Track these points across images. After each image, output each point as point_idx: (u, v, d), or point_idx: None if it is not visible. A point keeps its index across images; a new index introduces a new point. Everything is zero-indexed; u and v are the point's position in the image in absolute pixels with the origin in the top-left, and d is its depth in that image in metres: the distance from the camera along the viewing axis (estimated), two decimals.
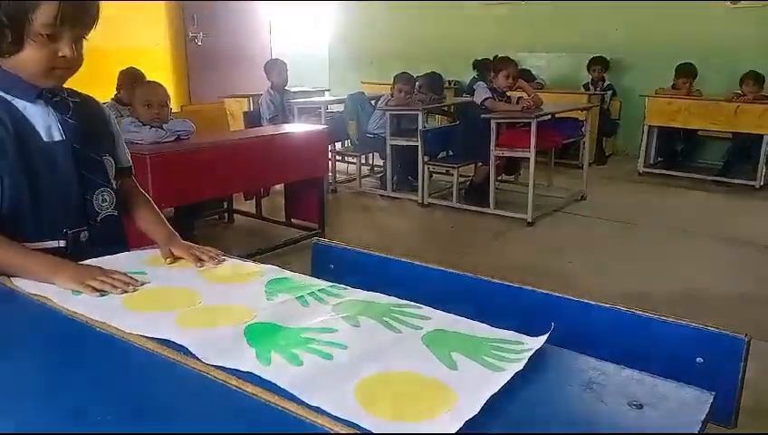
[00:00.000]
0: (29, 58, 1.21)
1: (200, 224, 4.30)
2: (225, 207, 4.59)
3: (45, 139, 1.28)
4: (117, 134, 1.50)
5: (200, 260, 1.31)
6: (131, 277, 1.16)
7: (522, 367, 0.82)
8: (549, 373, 0.83)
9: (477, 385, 0.77)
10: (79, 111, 1.35)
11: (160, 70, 6.29)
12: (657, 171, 6.04)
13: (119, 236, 1.42)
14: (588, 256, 3.78)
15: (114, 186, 1.42)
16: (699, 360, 1.05)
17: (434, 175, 5.47)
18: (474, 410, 0.71)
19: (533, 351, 0.86)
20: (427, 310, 1.04)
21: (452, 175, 4.93)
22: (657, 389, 0.77)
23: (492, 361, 0.84)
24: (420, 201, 4.98)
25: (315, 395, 0.75)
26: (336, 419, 0.70)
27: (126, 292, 1.11)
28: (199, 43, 7.85)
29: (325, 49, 9.17)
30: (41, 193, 1.27)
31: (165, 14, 7.61)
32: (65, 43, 1.21)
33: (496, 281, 1.29)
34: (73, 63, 1.25)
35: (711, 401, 0.74)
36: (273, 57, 6.81)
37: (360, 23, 8.72)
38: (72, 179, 1.31)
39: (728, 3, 6.14)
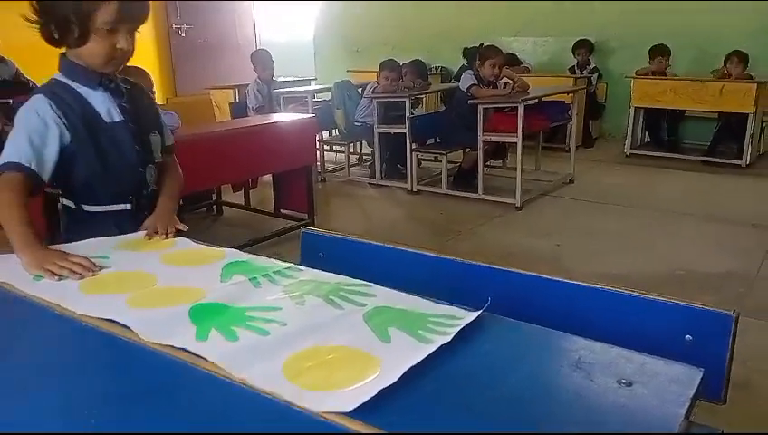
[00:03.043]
0: (92, 50, 1.40)
1: (189, 217, 4.28)
2: (214, 199, 4.57)
3: (107, 120, 1.48)
4: (161, 116, 1.68)
5: (156, 233, 1.42)
6: (91, 262, 1.18)
7: (449, 339, 0.83)
8: (538, 354, 0.84)
9: (402, 356, 0.78)
10: (131, 96, 1.55)
11: (145, 62, 6.21)
12: (644, 153, 6.06)
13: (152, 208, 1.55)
14: (576, 238, 3.80)
15: (159, 159, 1.61)
16: (688, 337, 1.06)
17: (422, 162, 5.46)
18: (391, 379, 0.72)
19: (464, 324, 0.88)
20: (375, 288, 1.05)
21: (440, 161, 4.93)
22: (647, 366, 0.78)
23: (424, 334, 0.86)
24: (409, 188, 4.98)
25: (244, 369, 0.77)
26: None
27: (83, 277, 1.14)
28: (183, 35, 7.79)
29: (311, 38, 9.12)
30: (109, 166, 1.47)
31: None
32: (122, 36, 1.39)
33: (484, 265, 1.30)
34: (129, 54, 1.44)
35: (700, 377, 0.75)
36: (259, 48, 6.76)
37: (344, 11, 8.66)
38: (132, 154, 1.51)
39: None
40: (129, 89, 1.56)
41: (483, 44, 5.29)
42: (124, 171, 1.51)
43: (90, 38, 1.37)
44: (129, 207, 1.52)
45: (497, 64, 4.66)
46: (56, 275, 1.14)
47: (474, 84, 4.63)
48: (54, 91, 1.44)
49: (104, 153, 1.46)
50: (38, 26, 1.39)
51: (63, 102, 1.42)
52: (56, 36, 1.39)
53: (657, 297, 1.10)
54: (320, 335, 0.87)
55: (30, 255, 1.20)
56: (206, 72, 7.49)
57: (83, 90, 1.46)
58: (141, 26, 1.45)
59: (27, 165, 1.36)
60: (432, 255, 1.39)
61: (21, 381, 0.80)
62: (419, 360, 0.77)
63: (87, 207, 1.50)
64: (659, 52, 5.93)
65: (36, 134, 1.38)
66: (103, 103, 1.48)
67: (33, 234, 1.28)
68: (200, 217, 4.47)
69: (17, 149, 1.37)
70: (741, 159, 5.42)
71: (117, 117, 1.49)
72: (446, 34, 7.63)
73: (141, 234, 1.44)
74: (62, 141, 1.41)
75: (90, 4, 1.33)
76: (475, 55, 6.11)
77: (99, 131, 1.46)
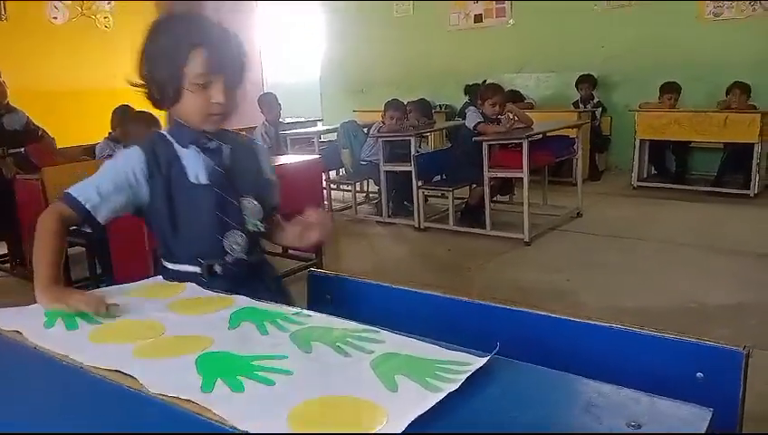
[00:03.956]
0: (187, 107, 1.39)
1: None
2: None
3: (192, 180, 1.43)
4: (269, 180, 1.58)
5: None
6: (103, 300, 1.18)
7: (457, 386, 0.82)
8: (546, 397, 0.83)
9: (410, 405, 0.77)
10: (231, 157, 1.49)
11: (153, 109, 6.36)
12: (651, 185, 6.07)
13: (243, 276, 1.47)
14: (586, 273, 3.78)
15: (257, 228, 1.49)
16: (699, 375, 1.05)
17: (429, 199, 5.48)
18: (397, 430, 0.72)
19: (472, 371, 0.86)
20: (383, 334, 1.04)
21: (447, 198, 4.95)
22: (656, 407, 0.77)
23: (432, 381, 0.85)
24: (416, 226, 4.99)
25: (248, 420, 0.76)
26: None
27: (98, 311, 1.14)
28: None
29: (317, 79, 9.27)
30: (181, 226, 1.44)
31: None
32: (217, 90, 1.36)
33: (494, 305, 1.30)
34: (227, 109, 1.40)
35: (709, 417, 0.74)
36: (266, 90, 6.87)
37: (349, 52, 8.82)
38: (209, 219, 1.44)
39: (710, 16, 6.23)
40: (233, 148, 1.50)
41: (485, 81, 5.36)
42: (196, 235, 1.45)
43: (183, 94, 1.36)
44: (198, 270, 1.44)
45: (497, 103, 4.72)
46: (70, 306, 1.15)
47: (480, 122, 4.68)
48: (153, 146, 1.44)
49: (177, 214, 1.43)
50: (143, 90, 1.42)
51: (155, 158, 1.42)
52: (156, 96, 1.40)
53: (666, 335, 1.10)
54: (326, 385, 0.86)
55: (48, 294, 1.22)
56: None
57: (178, 147, 1.44)
58: (239, 81, 1.41)
59: (84, 204, 1.37)
60: (441, 295, 1.39)
61: (24, 429, 0.81)
62: (426, 409, 0.77)
63: (165, 262, 1.49)
64: (669, 89, 5.96)
65: (110, 182, 1.39)
66: (194, 163, 1.44)
67: (58, 272, 1.29)
68: None
69: (85, 187, 1.39)
70: (749, 188, 5.42)
71: (204, 179, 1.44)
72: (449, 73, 7.74)
73: (151, 281, 1.45)
74: (138, 197, 1.41)
75: (179, 59, 1.33)
76: (476, 92, 6.22)
77: (180, 192, 1.42)
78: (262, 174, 1.56)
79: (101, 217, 1.40)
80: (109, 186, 1.39)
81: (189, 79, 1.34)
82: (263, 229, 1.51)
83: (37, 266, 1.28)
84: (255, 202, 1.49)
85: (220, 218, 1.44)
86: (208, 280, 1.42)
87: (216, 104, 1.37)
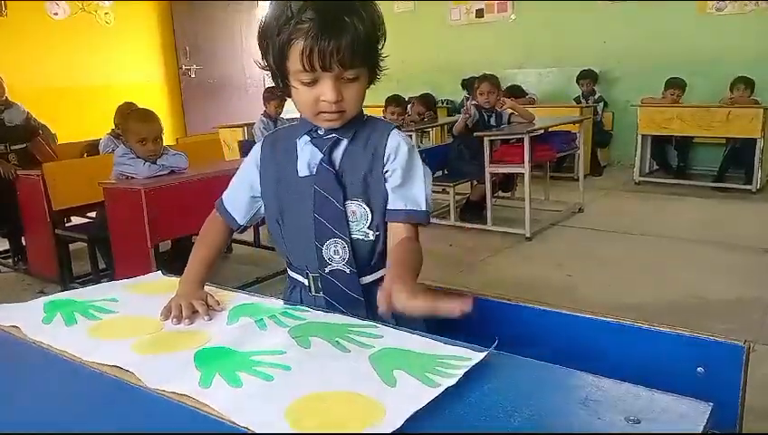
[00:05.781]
0: (297, 102, 1.21)
1: None
2: None
3: (300, 173, 1.25)
4: (395, 181, 1.23)
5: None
6: (203, 308, 1.16)
7: (455, 381, 0.82)
8: (544, 392, 0.83)
9: (407, 401, 0.77)
10: (350, 151, 1.24)
11: (155, 104, 6.35)
12: (653, 180, 6.06)
13: (349, 297, 1.24)
14: (587, 268, 3.77)
15: (365, 237, 1.23)
16: (700, 370, 1.05)
17: None
18: (395, 425, 0.72)
19: (470, 366, 0.86)
20: (382, 329, 1.04)
21: (448, 194, 4.94)
22: (655, 402, 0.77)
23: (431, 376, 0.84)
24: None
25: (246, 416, 0.76)
26: None
27: (191, 321, 1.13)
28: (193, 76, 7.92)
29: None
30: (286, 224, 1.28)
31: (158, 50, 7.69)
32: (325, 86, 1.14)
33: (492, 299, 1.30)
34: (342, 107, 1.17)
35: (709, 412, 0.74)
36: (267, 86, 6.87)
37: None
38: (306, 221, 1.23)
39: (712, 11, 6.20)
40: (357, 143, 1.24)
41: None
42: (300, 239, 1.25)
43: (291, 90, 1.19)
44: (306, 282, 1.28)
45: (485, 91, 4.71)
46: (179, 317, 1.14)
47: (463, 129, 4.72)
48: (276, 135, 1.34)
49: (283, 210, 1.27)
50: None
51: (272, 149, 1.30)
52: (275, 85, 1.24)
53: (666, 329, 1.09)
54: (324, 380, 0.86)
55: (181, 283, 1.26)
56: (217, 112, 7.61)
57: (298, 137, 1.27)
58: (364, 73, 1.19)
59: (225, 206, 1.37)
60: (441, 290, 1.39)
61: (24, 425, 0.80)
62: (424, 404, 0.77)
63: (289, 269, 1.34)
64: (673, 85, 5.92)
65: (238, 179, 1.36)
66: (305, 153, 1.25)
67: (195, 274, 1.29)
68: None
69: (229, 188, 1.38)
70: (751, 183, 5.40)
71: (307, 172, 1.24)
72: (451, 68, 7.71)
73: (151, 276, 1.45)
74: (253, 189, 1.32)
75: (278, 52, 1.14)
76: (472, 85, 6.21)
77: (287, 185, 1.26)
78: (388, 176, 1.23)
79: (241, 217, 1.36)
80: (236, 183, 1.36)
81: (293, 75, 1.15)
82: (372, 238, 1.23)
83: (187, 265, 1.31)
84: (365, 207, 1.22)
85: (319, 223, 1.22)
86: (313, 294, 1.27)
87: (325, 102, 1.15)
